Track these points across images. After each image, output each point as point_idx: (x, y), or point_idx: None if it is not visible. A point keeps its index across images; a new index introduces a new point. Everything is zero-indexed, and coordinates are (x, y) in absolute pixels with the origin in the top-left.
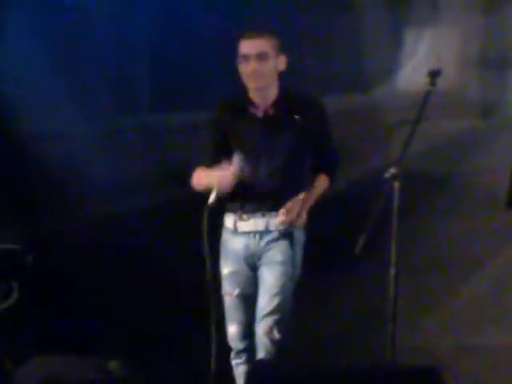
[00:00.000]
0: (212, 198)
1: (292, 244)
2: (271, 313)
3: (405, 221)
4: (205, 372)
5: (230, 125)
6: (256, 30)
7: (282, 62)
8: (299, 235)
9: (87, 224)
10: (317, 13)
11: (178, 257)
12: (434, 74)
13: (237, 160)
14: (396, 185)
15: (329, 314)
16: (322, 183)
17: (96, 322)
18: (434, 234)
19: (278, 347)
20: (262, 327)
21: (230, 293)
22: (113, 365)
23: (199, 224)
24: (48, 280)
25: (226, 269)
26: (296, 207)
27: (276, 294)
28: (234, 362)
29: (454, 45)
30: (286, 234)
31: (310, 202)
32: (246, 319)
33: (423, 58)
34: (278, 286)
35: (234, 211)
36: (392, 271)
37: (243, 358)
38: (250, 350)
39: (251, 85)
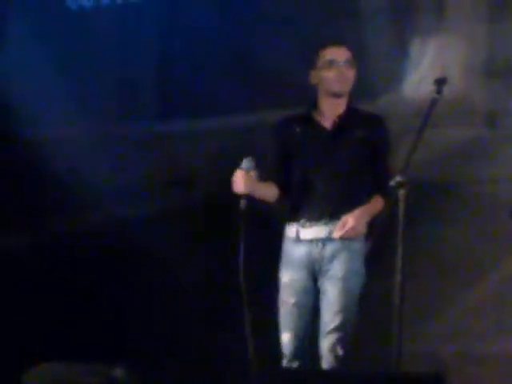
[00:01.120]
0: (241, 202)
1: (353, 256)
2: (334, 330)
3: (409, 228)
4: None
5: (291, 136)
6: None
7: (355, 74)
8: (359, 246)
9: (89, 228)
10: (322, 21)
11: (180, 262)
12: (439, 83)
13: (245, 162)
14: (402, 192)
15: None
16: (377, 202)
17: (99, 326)
18: (438, 242)
19: (342, 363)
20: (326, 344)
21: (286, 301)
22: (117, 371)
23: (203, 229)
24: (50, 283)
25: (285, 277)
26: (351, 221)
27: (339, 312)
28: None
29: (460, 53)
30: (347, 246)
31: (366, 216)
32: (300, 327)
33: (429, 67)
34: (340, 303)
35: (297, 220)
36: (398, 278)
37: (295, 365)
38: (302, 357)
39: (335, 88)
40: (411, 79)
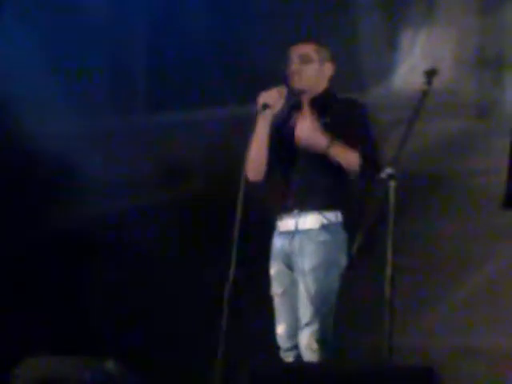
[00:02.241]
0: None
1: (321, 248)
2: (308, 324)
3: (400, 220)
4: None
5: (278, 130)
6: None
7: (327, 69)
8: (328, 237)
9: (84, 223)
10: (313, 13)
11: (176, 255)
12: (429, 74)
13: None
14: (392, 184)
15: None
16: (349, 151)
17: (94, 321)
18: (429, 234)
19: (320, 355)
20: (301, 339)
21: (276, 293)
22: (109, 365)
23: (199, 221)
24: (47, 279)
25: (272, 269)
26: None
27: (308, 305)
28: None
29: (450, 45)
30: (314, 238)
31: (325, 140)
32: (292, 318)
33: (419, 58)
34: (310, 297)
35: (278, 213)
36: (388, 271)
37: (290, 356)
38: (297, 348)
39: (292, 86)
40: (401, 71)
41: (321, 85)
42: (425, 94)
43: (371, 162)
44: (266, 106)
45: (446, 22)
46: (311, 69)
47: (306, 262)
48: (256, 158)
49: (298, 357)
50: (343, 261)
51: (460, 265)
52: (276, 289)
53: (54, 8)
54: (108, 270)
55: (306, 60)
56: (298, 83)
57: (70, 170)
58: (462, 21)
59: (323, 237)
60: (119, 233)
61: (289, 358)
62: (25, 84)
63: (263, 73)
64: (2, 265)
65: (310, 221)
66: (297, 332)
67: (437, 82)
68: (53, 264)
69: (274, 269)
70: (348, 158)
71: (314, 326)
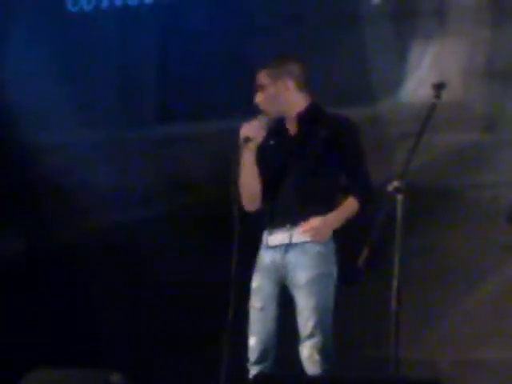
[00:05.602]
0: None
1: (315, 260)
2: (308, 337)
3: (407, 234)
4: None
5: (263, 149)
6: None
7: (281, 86)
8: (321, 249)
9: (91, 234)
10: (320, 26)
11: (181, 267)
12: (438, 87)
13: (262, 116)
14: (399, 198)
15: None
16: (348, 206)
17: (100, 333)
18: (436, 247)
19: (322, 367)
20: (302, 351)
21: (254, 306)
22: (114, 377)
23: (207, 233)
24: (52, 290)
25: (254, 283)
26: (315, 224)
27: (309, 317)
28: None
29: (460, 57)
30: (307, 251)
31: (335, 223)
32: (265, 333)
33: (428, 71)
34: (308, 310)
35: (267, 226)
36: (395, 284)
37: (256, 370)
38: (266, 362)
39: (267, 116)
40: (410, 84)
41: (293, 101)
42: (433, 106)
43: (366, 191)
44: (247, 139)
45: (455, 35)
46: (265, 95)
47: (303, 275)
48: (249, 190)
49: (264, 371)
50: (335, 271)
51: (466, 278)
52: (255, 302)
53: (62, 16)
54: (116, 281)
55: (259, 89)
56: (267, 112)
57: (81, 181)
58: (471, 33)
59: (317, 248)
60: (125, 244)
61: (254, 371)
62: (36, 95)
63: None
64: (8, 275)
65: (305, 234)
66: (267, 346)
67: (445, 95)
68: (61, 275)
69: (256, 282)
70: (350, 211)
71: (316, 338)
